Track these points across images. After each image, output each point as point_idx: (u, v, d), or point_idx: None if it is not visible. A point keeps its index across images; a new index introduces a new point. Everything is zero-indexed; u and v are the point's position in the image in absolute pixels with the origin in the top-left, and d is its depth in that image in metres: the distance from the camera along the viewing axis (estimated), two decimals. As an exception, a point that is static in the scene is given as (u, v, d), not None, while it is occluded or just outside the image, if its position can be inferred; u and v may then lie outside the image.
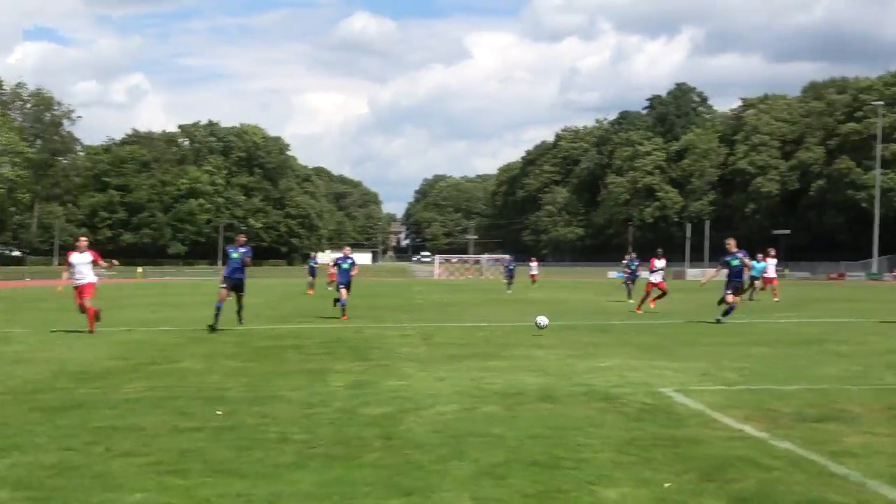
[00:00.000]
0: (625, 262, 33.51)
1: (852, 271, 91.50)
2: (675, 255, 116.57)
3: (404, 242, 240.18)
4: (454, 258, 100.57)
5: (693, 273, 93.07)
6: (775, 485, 5.39)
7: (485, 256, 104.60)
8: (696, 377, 10.29)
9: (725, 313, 18.86)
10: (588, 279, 78.24)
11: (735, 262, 19.02)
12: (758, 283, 31.88)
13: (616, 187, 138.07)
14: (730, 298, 18.73)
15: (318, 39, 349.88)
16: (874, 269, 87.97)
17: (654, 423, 7.33)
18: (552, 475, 5.62)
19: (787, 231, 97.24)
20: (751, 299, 29.59)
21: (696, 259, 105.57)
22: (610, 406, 8.21)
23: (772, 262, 32.74)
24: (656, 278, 24.62)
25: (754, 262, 30.96)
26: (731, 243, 19.33)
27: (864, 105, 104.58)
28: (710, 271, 23.88)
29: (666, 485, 5.40)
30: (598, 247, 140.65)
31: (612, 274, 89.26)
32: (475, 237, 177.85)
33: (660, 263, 25.07)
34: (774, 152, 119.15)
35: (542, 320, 16.33)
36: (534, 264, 53.20)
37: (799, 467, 5.83)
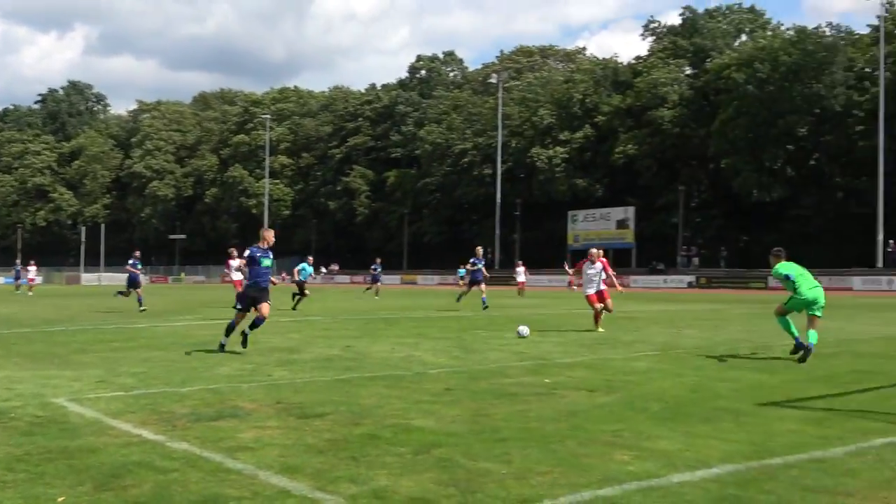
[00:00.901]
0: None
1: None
2: (69, 260, 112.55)
3: None
4: None
5: (88, 278, 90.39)
6: (172, 486, 5.44)
7: None
8: (92, 385, 10.00)
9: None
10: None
11: (267, 262, 14.73)
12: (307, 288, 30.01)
13: (3, 187, 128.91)
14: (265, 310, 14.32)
15: None
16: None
17: (46, 437, 6.95)
18: (-73, 505, 5.04)
19: (184, 236, 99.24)
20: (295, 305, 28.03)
21: (93, 264, 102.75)
22: (-4, 422, 7.61)
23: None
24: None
25: (304, 265, 30.71)
26: (268, 237, 15.01)
27: (255, 118, 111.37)
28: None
29: (59, 499, 5.16)
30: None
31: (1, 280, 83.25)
32: None
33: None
34: (170, 157, 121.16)
35: (524, 330, 16.01)
36: None
37: (196, 466, 5.95)
